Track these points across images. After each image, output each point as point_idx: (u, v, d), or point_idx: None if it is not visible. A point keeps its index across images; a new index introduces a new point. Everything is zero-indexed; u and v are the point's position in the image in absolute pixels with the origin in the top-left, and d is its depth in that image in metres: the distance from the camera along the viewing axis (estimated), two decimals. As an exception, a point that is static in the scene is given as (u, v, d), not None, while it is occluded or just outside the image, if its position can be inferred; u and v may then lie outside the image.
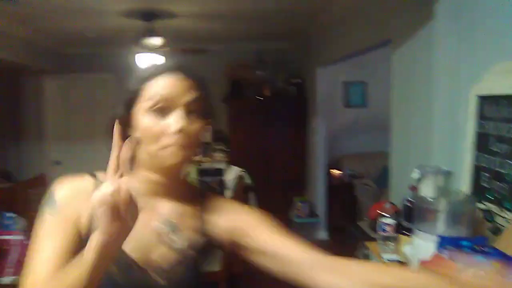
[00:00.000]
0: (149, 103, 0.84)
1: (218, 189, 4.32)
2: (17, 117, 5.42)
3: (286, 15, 4.13)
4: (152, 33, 3.72)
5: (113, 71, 4.98)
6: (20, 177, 5.05)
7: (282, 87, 5.23)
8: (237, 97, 5.24)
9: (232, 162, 4.73)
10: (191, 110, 0.85)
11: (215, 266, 2.76)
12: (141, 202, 0.74)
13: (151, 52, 3.78)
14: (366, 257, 2.09)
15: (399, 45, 2.75)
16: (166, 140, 0.83)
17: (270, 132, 5.16)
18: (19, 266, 2.74)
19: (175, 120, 0.83)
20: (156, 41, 3.72)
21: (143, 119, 0.85)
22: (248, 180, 3.63)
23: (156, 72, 0.87)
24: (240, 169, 3.62)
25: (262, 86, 5.17)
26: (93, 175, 0.90)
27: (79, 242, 0.83)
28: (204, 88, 0.91)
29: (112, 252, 0.73)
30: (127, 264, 0.85)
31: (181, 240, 0.90)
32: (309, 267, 0.87)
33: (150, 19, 3.77)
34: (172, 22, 4.00)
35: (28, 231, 2.71)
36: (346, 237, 4.30)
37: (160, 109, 0.84)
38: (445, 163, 2.08)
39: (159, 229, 0.88)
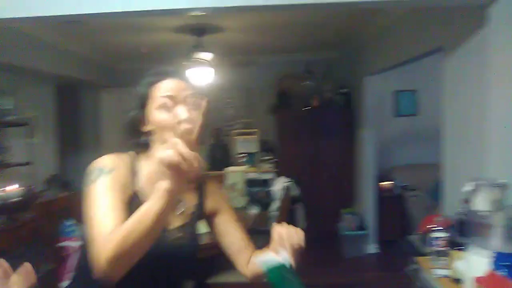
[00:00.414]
0: (159, 102, 1.10)
1: (265, 200, 4.34)
2: (77, 129, 5.76)
3: (334, 25, 4.12)
4: (202, 47, 3.84)
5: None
6: (78, 186, 5.34)
7: (330, 97, 5.20)
8: (285, 108, 5.26)
9: (279, 172, 4.75)
10: (190, 103, 1.08)
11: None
12: (157, 174, 1.05)
13: (201, 66, 3.89)
14: (416, 272, 2.02)
15: (451, 52, 2.67)
16: (178, 128, 1.03)
17: (318, 143, 5.12)
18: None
19: (181, 111, 1.06)
20: (206, 55, 3.83)
21: (156, 114, 1.11)
22: (295, 191, 3.62)
23: (158, 78, 1.14)
24: (288, 179, 3.61)
25: (310, 96, 5.16)
26: (128, 156, 1.17)
27: (127, 200, 1.07)
28: (195, 87, 1.17)
29: (174, 201, 0.93)
30: None
31: (183, 208, 1.20)
32: (237, 251, 1.27)
33: (200, 34, 3.90)
34: (222, 36, 4.11)
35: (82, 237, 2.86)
36: (396, 251, 4.17)
37: (168, 106, 1.09)
38: (501, 174, 1.97)
39: None
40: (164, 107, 1.10)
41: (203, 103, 1.01)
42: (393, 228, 4.75)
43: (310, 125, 5.13)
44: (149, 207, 0.91)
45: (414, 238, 2.73)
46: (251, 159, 5.50)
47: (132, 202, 1.08)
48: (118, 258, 0.89)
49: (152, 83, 1.14)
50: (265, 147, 5.64)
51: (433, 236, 1.95)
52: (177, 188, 0.90)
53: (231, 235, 1.28)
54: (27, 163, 3.83)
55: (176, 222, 1.18)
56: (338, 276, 4.06)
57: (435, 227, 2.02)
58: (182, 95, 1.11)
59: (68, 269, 2.90)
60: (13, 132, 3.82)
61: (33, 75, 4.21)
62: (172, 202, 0.92)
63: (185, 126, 1.02)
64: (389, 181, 5.02)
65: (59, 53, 4.29)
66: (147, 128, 1.14)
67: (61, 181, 4.68)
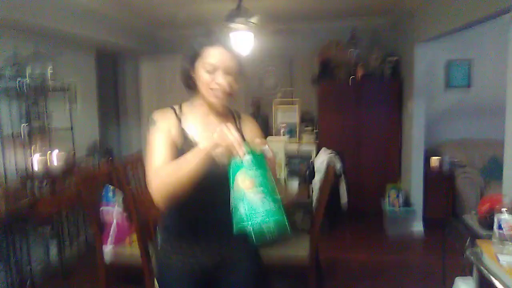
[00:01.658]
0: (205, 65, 1.39)
1: (306, 172, 4.20)
2: (117, 96, 5.77)
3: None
4: (243, 12, 3.66)
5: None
6: (120, 154, 5.40)
7: (376, 67, 4.90)
8: (328, 78, 5.01)
9: (321, 144, 4.57)
10: (229, 71, 1.40)
11: (303, 251, 2.67)
12: (200, 115, 1.49)
13: (242, 31, 3.72)
14: (477, 256, 1.83)
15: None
16: (213, 86, 1.40)
17: (363, 115, 4.87)
18: (118, 236, 2.90)
19: (219, 76, 1.39)
20: (247, 20, 3.64)
21: (201, 72, 1.41)
22: (338, 163, 3.45)
23: (210, 42, 1.40)
24: (330, 151, 3.44)
25: (355, 65, 4.89)
26: (173, 108, 1.50)
27: (173, 146, 1.40)
28: (238, 56, 1.44)
29: (209, 155, 1.24)
30: None
31: None
32: None
33: (241, -2, 3.71)
34: (262, 1, 3.90)
35: (125, 204, 2.85)
36: (444, 230, 3.95)
37: (211, 69, 1.39)
38: None
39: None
40: (207, 69, 1.39)
41: (241, 72, 1.43)
42: (440, 206, 4.50)
43: (355, 96, 4.87)
44: (189, 159, 1.25)
45: (469, 218, 2.52)
46: (291, 130, 5.34)
47: (180, 138, 1.43)
48: (162, 190, 1.26)
49: (203, 45, 1.40)
50: (307, 118, 5.46)
51: (498, 218, 1.76)
52: (213, 151, 1.23)
53: None
54: (68, 129, 3.85)
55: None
56: (381, 253, 3.91)
57: (500, 208, 1.81)
58: (224, 64, 1.39)
59: (109, 234, 2.91)
60: (54, 98, 3.82)
61: (73, 41, 4.17)
62: (207, 157, 1.23)
63: (218, 87, 1.39)
64: (438, 156, 4.74)
65: (99, 19, 4.23)
66: (194, 77, 1.45)
67: (103, 148, 4.72)
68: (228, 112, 1.57)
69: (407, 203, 4.44)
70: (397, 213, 4.37)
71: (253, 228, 1.11)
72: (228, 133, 1.19)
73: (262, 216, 1.11)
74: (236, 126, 1.54)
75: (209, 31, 1.43)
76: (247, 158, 1.16)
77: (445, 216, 4.17)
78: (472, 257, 1.80)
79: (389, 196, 4.45)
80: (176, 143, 1.41)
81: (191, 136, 1.45)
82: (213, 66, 1.38)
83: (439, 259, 3.37)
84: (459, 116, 5.10)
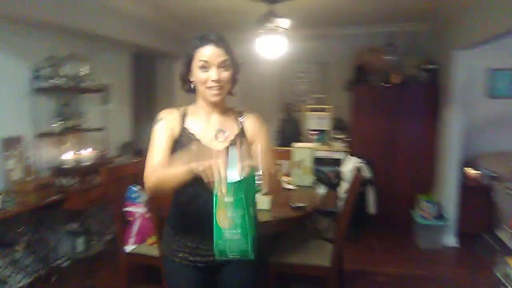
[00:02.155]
0: (199, 64, 1.46)
1: (334, 180, 4.11)
2: (151, 97, 5.88)
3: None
4: (275, 15, 3.63)
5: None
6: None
7: (413, 74, 4.74)
8: (363, 84, 4.89)
9: (352, 152, 4.47)
10: (222, 66, 1.46)
11: (325, 260, 2.59)
12: (203, 116, 1.56)
13: (273, 35, 3.69)
14: (507, 275, 1.71)
15: None
16: (209, 84, 1.46)
17: (397, 123, 4.71)
18: (140, 236, 2.93)
19: (213, 73, 1.45)
20: (281, 22, 3.61)
21: (196, 72, 1.47)
22: (367, 173, 3.35)
23: (201, 43, 1.46)
24: (359, 159, 3.35)
25: (390, 72, 4.75)
26: (179, 108, 1.58)
27: (173, 143, 1.50)
28: (230, 52, 1.49)
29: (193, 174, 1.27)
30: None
31: (226, 135, 1.54)
32: None
33: (273, 1, 3.69)
34: (296, 4, 3.86)
35: (148, 204, 2.87)
36: (478, 246, 3.76)
37: (204, 67, 1.45)
38: None
39: (215, 131, 1.54)
40: (201, 67, 1.46)
41: (234, 67, 1.50)
42: (476, 221, 4.29)
43: (389, 103, 4.72)
44: (177, 172, 1.31)
45: (503, 234, 2.37)
46: (322, 136, 5.26)
47: (182, 135, 1.52)
48: (154, 188, 1.40)
49: (196, 47, 1.47)
50: (338, 125, 5.36)
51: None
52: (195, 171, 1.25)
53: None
54: (101, 129, 3.95)
55: (219, 147, 1.47)
56: (409, 267, 3.75)
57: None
58: (216, 60, 1.45)
59: (131, 234, 2.95)
60: (89, 98, 3.93)
61: (109, 43, 4.29)
62: (193, 175, 1.27)
63: (214, 85, 1.45)
64: (475, 168, 4.52)
65: (134, 22, 4.33)
66: (191, 79, 1.52)
67: (134, 148, 4.81)
68: (230, 111, 1.62)
69: (440, 215, 4.24)
70: (429, 225, 4.18)
71: (220, 256, 1.29)
72: (215, 171, 1.20)
73: (233, 252, 1.27)
74: (238, 125, 1.59)
75: (201, 34, 1.48)
76: (228, 199, 1.20)
77: (479, 232, 3.96)
78: (498, 274, 1.69)
79: (421, 207, 4.28)
80: (177, 141, 1.51)
81: (192, 135, 1.53)
82: (206, 63, 1.45)
83: (470, 274, 3.19)
84: (500, 127, 4.84)
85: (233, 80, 1.53)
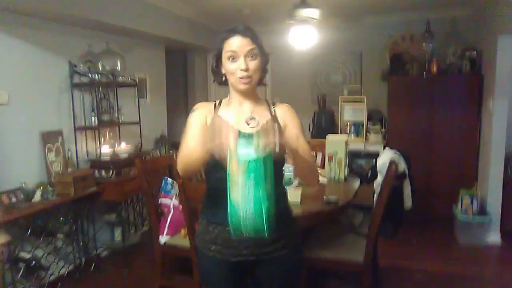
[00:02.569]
0: (227, 54, 1.49)
1: (369, 173, 4.01)
2: (185, 91, 5.95)
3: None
4: (307, 5, 3.56)
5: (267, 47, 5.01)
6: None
7: (452, 62, 4.54)
8: (399, 74, 4.73)
9: (388, 145, 4.34)
10: (249, 55, 1.48)
11: (359, 256, 2.53)
12: (235, 105, 1.57)
13: (305, 25, 3.62)
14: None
15: None
16: (239, 74, 1.48)
17: (437, 113, 4.52)
18: (173, 227, 2.97)
19: (241, 62, 1.47)
20: (312, 12, 3.54)
21: (226, 63, 1.50)
22: (402, 165, 3.23)
23: (228, 35, 1.48)
24: (394, 151, 3.23)
25: (428, 60, 4.57)
26: (213, 101, 1.64)
27: (204, 130, 1.50)
28: (257, 41, 1.50)
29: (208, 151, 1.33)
30: None
31: (257, 121, 1.54)
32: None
33: (305, -10, 3.62)
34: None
35: (179, 196, 2.91)
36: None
37: (233, 57, 1.48)
38: None
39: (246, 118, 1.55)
40: (230, 58, 1.48)
41: (262, 56, 1.52)
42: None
43: (428, 93, 4.54)
44: (197, 150, 1.41)
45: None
46: (357, 128, 5.14)
47: (215, 122, 1.48)
48: (182, 170, 1.48)
49: (224, 39, 1.49)
50: (375, 117, 5.22)
51: None
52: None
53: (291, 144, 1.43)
54: (136, 123, 4.03)
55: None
56: (448, 264, 3.62)
57: None
58: (243, 50, 1.46)
59: (165, 225, 3.00)
60: (124, 92, 4.02)
61: (143, 38, 4.36)
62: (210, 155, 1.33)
63: (243, 74, 1.47)
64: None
65: (168, 17, 4.37)
66: (222, 72, 1.55)
67: (169, 142, 4.89)
68: (262, 101, 1.64)
69: (482, 211, 4.05)
70: (471, 221, 4.01)
71: (235, 233, 1.31)
72: (225, 148, 1.23)
73: (248, 230, 1.28)
74: (270, 113, 1.59)
75: (229, 27, 1.51)
76: (241, 177, 1.23)
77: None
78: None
79: (462, 202, 4.10)
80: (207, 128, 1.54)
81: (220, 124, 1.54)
82: (234, 54, 1.47)
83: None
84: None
85: (262, 69, 1.54)
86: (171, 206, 3.05)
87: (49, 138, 3.26)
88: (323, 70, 5.66)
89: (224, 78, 1.56)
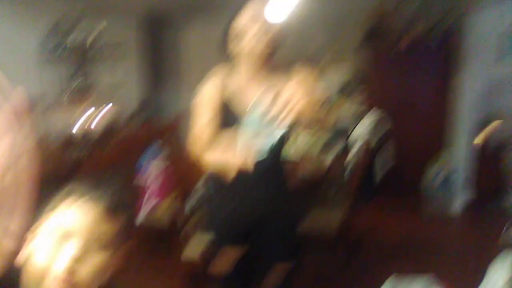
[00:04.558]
0: (237, 30, 1.52)
1: (344, 144, 4.10)
2: (160, 62, 5.83)
3: None
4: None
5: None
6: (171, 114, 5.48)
7: (425, 35, 4.60)
8: (372, 46, 4.78)
9: (363, 115, 4.40)
10: (260, 31, 1.49)
11: (332, 223, 2.65)
12: (249, 74, 1.58)
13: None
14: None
15: None
16: (256, 38, 1.50)
17: (409, 87, 4.63)
18: (163, 189, 2.99)
19: (254, 37, 1.49)
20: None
21: (236, 38, 1.54)
22: (375, 136, 3.36)
23: (239, 8, 1.52)
24: (374, 119, 3.31)
25: (402, 33, 4.62)
26: (221, 74, 1.62)
27: (217, 108, 1.56)
28: (265, 17, 1.51)
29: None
30: None
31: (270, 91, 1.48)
32: None
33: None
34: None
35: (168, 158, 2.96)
36: (487, 213, 3.76)
37: (243, 32, 1.51)
38: None
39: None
40: (240, 33, 1.52)
41: (274, 31, 1.52)
42: (486, 187, 4.26)
43: (400, 66, 4.63)
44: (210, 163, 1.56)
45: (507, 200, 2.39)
46: (334, 97, 5.20)
47: (225, 100, 1.56)
48: (196, 154, 1.58)
49: (240, 5, 1.53)
50: (350, 86, 5.28)
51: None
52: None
53: None
54: (113, 89, 3.93)
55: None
56: (416, 233, 3.79)
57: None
58: (255, 25, 1.49)
59: (145, 195, 3.00)
60: (99, 61, 3.92)
61: (118, 6, 4.22)
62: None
63: (262, 38, 1.49)
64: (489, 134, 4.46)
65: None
66: (232, 45, 1.57)
67: (153, 106, 4.81)
68: (275, 71, 1.62)
69: (448, 181, 4.24)
70: (438, 192, 4.20)
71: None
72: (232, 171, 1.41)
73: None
74: (283, 82, 1.44)
75: (237, 5, 1.55)
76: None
77: (491, 198, 3.96)
78: (506, 239, 1.72)
79: (429, 175, 4.27)
80: (220, 105, 1.57)
81: (234, 100, 1.57)
82: (245, 28, 1.50)
83: (476, 242, 3.20)
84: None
85: (275, 40, 1.55)
86: (158, 170, 3.04)
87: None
88: (297, 41, 5.63)
89: (232, 51, 1.60)
